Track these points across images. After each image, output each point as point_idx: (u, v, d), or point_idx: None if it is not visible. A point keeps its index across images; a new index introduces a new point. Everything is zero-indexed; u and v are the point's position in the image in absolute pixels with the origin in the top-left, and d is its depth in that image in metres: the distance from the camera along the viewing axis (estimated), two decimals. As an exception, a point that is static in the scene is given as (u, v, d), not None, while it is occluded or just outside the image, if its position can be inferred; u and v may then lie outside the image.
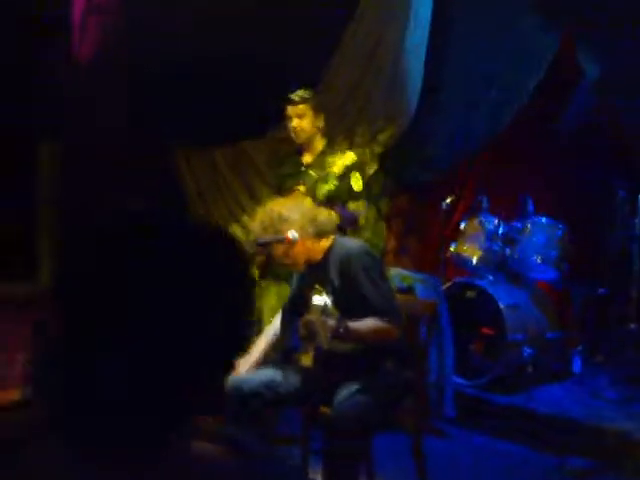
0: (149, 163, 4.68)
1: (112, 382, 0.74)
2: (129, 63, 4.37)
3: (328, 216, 2.71)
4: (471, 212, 4.40)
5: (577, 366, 4.05)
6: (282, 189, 3.52)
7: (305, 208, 2.69)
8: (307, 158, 3.48)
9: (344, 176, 3.36)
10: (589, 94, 4.18)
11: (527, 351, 3.87)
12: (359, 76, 4.66)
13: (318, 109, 3.46)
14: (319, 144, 3.50)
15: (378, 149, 4.70)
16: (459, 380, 3.91)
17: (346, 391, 2.48)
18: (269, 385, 2.55)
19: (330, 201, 3.30)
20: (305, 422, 2.89)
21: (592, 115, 4.29)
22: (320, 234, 2.67)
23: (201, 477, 0.75)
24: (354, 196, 3.35)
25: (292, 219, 2.64)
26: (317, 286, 2.66)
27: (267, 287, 3.43)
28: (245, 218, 4.26)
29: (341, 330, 2.40)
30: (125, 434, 0.75)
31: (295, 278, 2.86)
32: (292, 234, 2.62)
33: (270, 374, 2.61)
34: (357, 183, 3.34)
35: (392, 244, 4.75)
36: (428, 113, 4.51)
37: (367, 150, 4.74)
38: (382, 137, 4.65)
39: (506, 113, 4.28)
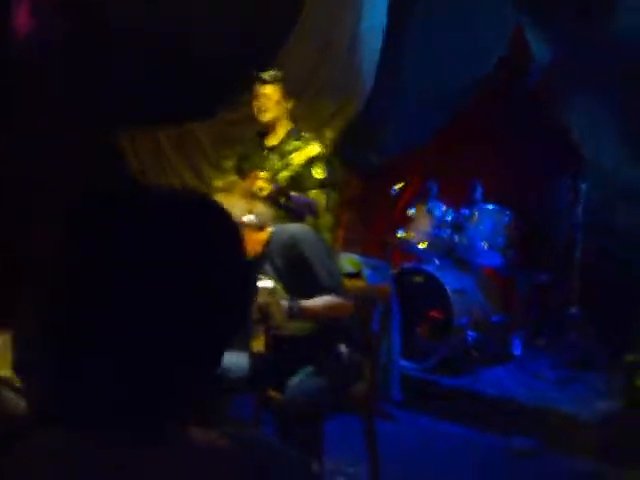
0: (90, 142, 4.54)
1: (100, 368, 0.70)
2: (70, 38, 4.21)
3: (265, 207, 2.69)
4: (420, 198, 4.45)
5: (518, 349, 4.16)
6: (241, 170, 3.43)
7: (241, 201, 2.65)
8: (270, 141, 3.39)
9: (307, 165, 3.31)
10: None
11: (472, 334, 3.95)
12: (316, 59, 4.63)
13: (287, 91, 3.38)
14: (284, 128, 3.41)
15: (331, 135, 4.69)
16: (406, 363, 3.96)
17: (298, 375, 2.47)
18: (221, 371, 2.50)
19: (291, 189, 3.25)
20: (257, 407, 2.87)
21: (539, 104, 4.38)
22: (259, 226, 2.64)
23: (201, 465, 0.72)
24: (315, 184, 3.30)
25: (232, 207, 2.59)
26: (261, 275, 2.63)
27: None
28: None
29: (295, 310, 2.39)
30: (118, 421, 0.71)
31: None
32: (249, 218, 2.59)
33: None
34: (319, 173, 3.30)
35: (341, 229, 4.76)
36: (380, 97, 4.53)
37: (323, 135, 4.73)
38: (336, 122, 4.64)
39: (457, 100, 4.34)
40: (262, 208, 2.68)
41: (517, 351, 4.15)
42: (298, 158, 3.29)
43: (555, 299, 4.22)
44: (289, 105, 3.39)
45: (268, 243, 2.65)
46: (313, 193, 3.27)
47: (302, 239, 2.58)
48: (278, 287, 2.53)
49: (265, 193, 3.07)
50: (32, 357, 0.73)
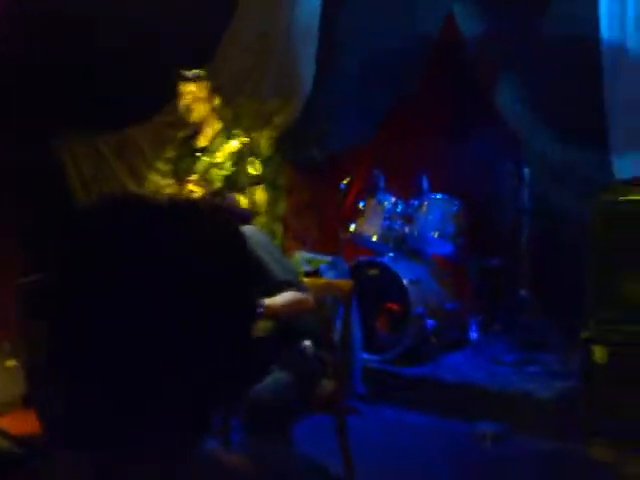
0: (27, 155, 4.38)
1: (111, 382, 0.67)
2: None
3: None
4: (369, 191, 4.48)
5: (474, 334, 4.24)
6: (176, 174, 3.34)
7: None
8: (200, 142, 3.28)
9: (239, 161, 3.23)
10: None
11: (430, 323, 4.00)
12: (251, 60, 4.59)
13: (214, 89, 3.29)
14: (213, 127, 3.32)
15: (273, 133, 4.66)
16: (367, 356, 3.98)
17: (264, 381, 2.44)
18: None
19: (228, 188, 3.18)
20: (224, 412, 2.82)
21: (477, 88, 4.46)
22: None
23: None
24: (253, 181, 3.24)
25: None
26: None
27: None
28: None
29: (260, 310, 2.36)
30: (133, 437, 0.68)
31: None
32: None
33: None
34: (254, 167, 3.24)
35: (292, 227, 4.74)
36: (322, 93, 4.52)
37: (263, 133, 4.69)
38: (277, 120, 4.61)
39: (398, 92, 4.37)
40: None
41: (474, 336, 4.23)
42: (222, 155, 3.20)
43: (506, 283, 4.32)
44: (216, 103, 3.29)
45: None
46: (251, 190, 3.20)
47: (251, 239, 2.56)
48: None
49: (198, 196, 3.02)
50: (43, 387, 0.69)
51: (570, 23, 3.74)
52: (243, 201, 3.13)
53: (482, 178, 4.39)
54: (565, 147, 3.86)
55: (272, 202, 4.80)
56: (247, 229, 2.65)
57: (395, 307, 4.03)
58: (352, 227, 4.41)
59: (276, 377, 2.47)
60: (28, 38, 3.99)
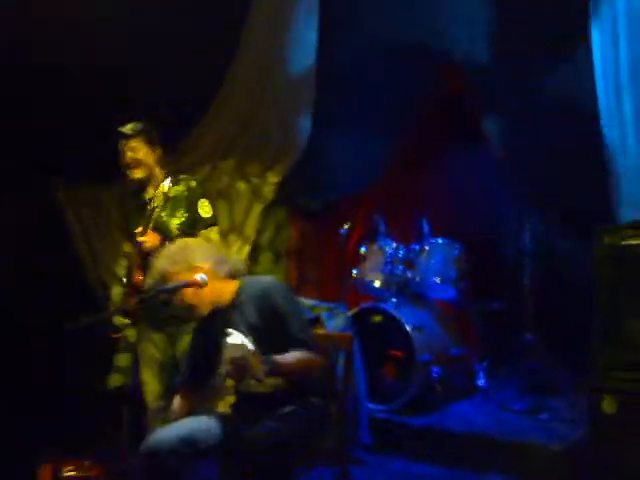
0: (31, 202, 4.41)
1: None
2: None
3: (238, 257, 2.64)
4: (370, 237, 4.45)
5: (482, 380, 4.16)
6: (130, 230, 3.23)
7: (216, 247, 2.60)
8: (148, 193, 3.22)
9: (190, 205, 3.20)
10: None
11: (435, 370, 3.93)
12: (254, 106, 4.64)
13: (153, 141, 3.22)
14: (159, 177, 3.23)
15: (274, 179, 4.68)
16: (373, 406, 3.90)
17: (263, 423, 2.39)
18: (187, 441, 2.39)
19: (184, 233, 3.15)
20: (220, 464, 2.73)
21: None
22: (232, 275, 2.60)
23: None
24: (207, 223, 3.20)
25: (205, 255, 2.57)
26: (229, 330, 2.55)
27: (144, 334, 3.22)
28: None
29: (269, 367, 2.32)
30: None
31: (198, 327, 2.72)
32: (201, 277, 2.53)
33: (187, 427, 2.45)
34: (204, 209, 3.20)
35: (293, 274, 4.71)
36: (321, 141, 4.56)
37: (265, 179, 4.70)
38: (277, 167, 4.64)
39: (399, 140, 4.40)
40: (236, 257, 2.64)
41: (481, 382, 4.15)
42: (158, 200, 3.17)
43: (510, 326, 4.26)
44: (157, 153, 3.23)
45: (238, 293, 2.58)
46: (205, 233, 3.15)
47: (276, 290, 2.55)
48: (247, 343, 2.45)
49: (149, 246, 3.00)
50: None
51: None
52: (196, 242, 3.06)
53: (482, 221, 4.37)
54: (566, 192, 3.88)
55: (276, 248, 4.80)
56: (273, 281, 2.61)
57: (399, 354, 3.95)
58: (354, 272, 4.37)
59: (273, 427, 2.41)
60: (30, 87, 4.02)
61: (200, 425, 2.46)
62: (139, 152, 3.18)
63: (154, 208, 3.14)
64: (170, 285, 2.52)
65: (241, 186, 4.63)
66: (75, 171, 4.54)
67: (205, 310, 2.59)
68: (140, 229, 3.09)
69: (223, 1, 4.46)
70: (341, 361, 2.87)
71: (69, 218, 4.78)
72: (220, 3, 4.42)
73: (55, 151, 4.30)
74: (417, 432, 3.73)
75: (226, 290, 2.59)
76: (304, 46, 4.56)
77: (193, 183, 3.23)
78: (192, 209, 3.14)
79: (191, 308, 2.59)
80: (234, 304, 2.57)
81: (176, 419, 2.56)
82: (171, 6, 4.26)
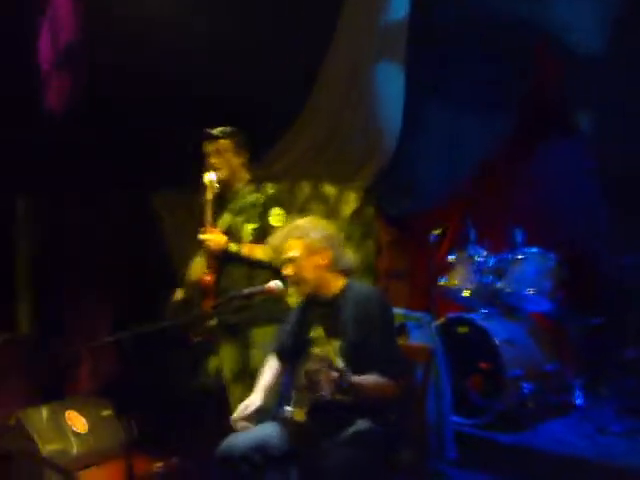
0: (128, 210, 4.58)
1: None
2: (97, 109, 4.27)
3: (353, 255, 2.62)
4: (459, 244, 4.31)
5: (579, 399, 3.92)
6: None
7: (341, 238, 2.59)
8: (228, 197, 3.23)
9: (264, 213, 3.14)
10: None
11: (527, 386, 3.73)
12: (338, 112, 4.61)
13: (241, 145, 3.23)
14: (242, 181, 3.25)
15: (361, 183, 4.63)
16: (458, 419, 3.76)
17: (339, 441, 2.34)
18: (259, 447, 2.39)
19: (256, 239, 3.14)
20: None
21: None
22: (345, 271, 2.58)
23: None
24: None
25: (328, 242, 2.56)
26: (322, 328, 2.53)
27: (223, 339, 3.24)
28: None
29: (344, 385, 2.28)
30: None
31: (293, 315, 2.70)
32: (276, 284, 2.55)
33: (260, 434, 2.45)
34: (276, 218, 3.15)
35: (380, 281, 4.64)
36: (412, 146, 4.47)
37: (351, 185, 4.67)
38: (365, 171, 4.58)
39: (491, 142, 4.24)
40: (351, 253, 2.62)
41: (578, 401, 3.90)
42: (236, 203, 3.15)
43: (611, 342, 3.99)
44: (243, 158, 3.23)
45: (343, 292, 2.56)
46: None
47: (378, 303, 2.53)
48: (330, 356, 2.43)
49: (212, 246, 3.04)
50: None
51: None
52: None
53: (581, 230, 4.13)
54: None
55: (361, 254, 4.74)
56: (373, 291, 2.61)
57: (487, 367, 3.79)
58: (442, 281, 4.24)
59: (351, 455, 2.36)
60: (128, 91, 4.16)
61: (273, 432, 2.45)
62: (225, 154, 3.20)
63: (231, 211, 3.17)
64: (244, 291, 2.54)
65: (328, 191, 4.62)
66: (171, 174, 4.67)
67: (303, 292, 2.57)
68: (205, 228, 3.11)
69: (313, 3, 4.46)
70: (420, 374, 2.79)
71: (162, 220, 4.94)
72: (311, 5, 4.42)
73: (151, 154, 4.44)
74: (505, 449, 3.56)
75: (334, 284, 2.57)
76: (393, 47, 4.48)
77: (271, 190, 3.20)
78: (264, 217, 3.14)
79: (296, 281, 2.56)
80: (337, 303, 2.54)
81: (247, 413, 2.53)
82: (260, 8, 4.30)
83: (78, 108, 4.22)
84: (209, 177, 3.14)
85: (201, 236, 3.11)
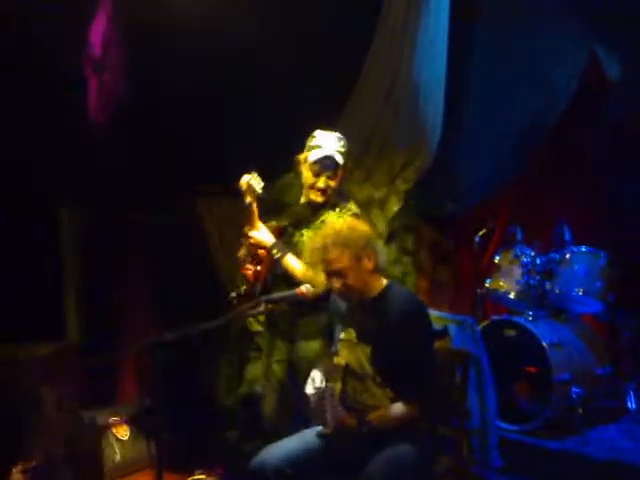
0: (172, 217, 4.62)
1: None
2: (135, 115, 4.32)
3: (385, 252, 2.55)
4: (505, 244, 4.20)
5: (632, 403, 3.75)
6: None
7: (371, 237, 2.53)
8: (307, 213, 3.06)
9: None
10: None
11: (576, 391, 3.60)
12: (378, 114, 4.56)
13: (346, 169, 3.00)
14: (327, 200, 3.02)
15: (403, 186, 4.56)
16: (504, 425, 3.65)
17: (376, 459, 2.29)
18: (292, 461, 2.37)
19: None
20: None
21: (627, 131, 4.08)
22: (379, 269, 2.50)
23: None
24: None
25: (370, 246, 2.49)
26: (354, 330, 2.48)
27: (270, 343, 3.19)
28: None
29: (365, 428, 2.31)
30: None
31: (342, 313, 2.65)
32: (307, 287, 2.51)
33: (293, 447, 2.43)
34: (380, 223, 3.06)
35: (423, 283, 4.55)
36: (455, 146, 4.37)
37: (393, 187, 4.60)
38: (406, 174, 4.51)
39: (536, 140, 4.11)
40: (385, 251, 2.57)
41: (631, 405, 3.74)
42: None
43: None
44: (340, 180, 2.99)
45: (384, 293, 2.50)
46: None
47: (417, 316, 2.45)
48: (361, 355, 2.42)
49: (256, 237, 2.98)
50: None
51: None
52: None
53: (633, 227, 3.95)
54: None
55: (403, 256, 4.67)
56: (414, 302, 2.50)
57: (534, 371, 3.67)
58: (488, 283, 4.14)
59: (389, 456, 2.31)
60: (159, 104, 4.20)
61: (307, 446, 2.43)
62: (337, 179, 2.93)
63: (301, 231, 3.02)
64: (274, 296, 2.53)
65: (370, 195, 4.56)
66: (216, 179, 4.70)
67: (353, 297, 2.51)
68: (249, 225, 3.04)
69: (354, 3, 4.41)
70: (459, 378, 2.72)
71: (207, 223, 4.97)
72: (351, 5, 4.37)
73: (197, 158, 4.47)
74: (553, 456, 3.43)
75: (373, 283, 2.49)
76: (434, 46, 4.40)
77: (347, 215, 2.91)
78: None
79: (345, 292, 2.50)
80: (377, 304, 2.48)
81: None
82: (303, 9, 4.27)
83: (118, 115, 4.29)
84: (245, 180, 3.04)
85: (247, 230, 3.01)
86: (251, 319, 3.96)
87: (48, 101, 3.90)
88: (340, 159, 2.93)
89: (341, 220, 2.76)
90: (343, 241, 2.45)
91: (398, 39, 4.48)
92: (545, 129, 4.10)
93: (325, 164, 2.92)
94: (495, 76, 4.21)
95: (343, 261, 2.43)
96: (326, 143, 2.95)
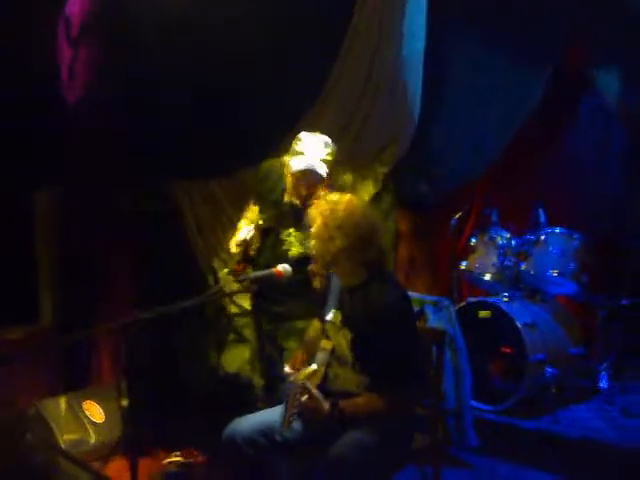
0: (148, 202, 4.57)
1: None
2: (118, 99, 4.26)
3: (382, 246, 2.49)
4: (481, 227, 4.22)
5: (604, 383, 3.81)
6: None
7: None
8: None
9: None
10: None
11: (549, 370, 3.64)
12: (356, 97, 4.53)
13: (330, 176, 2.92)
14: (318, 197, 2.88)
15: (382, 169, 4.55)
16: (479, 405, 3.69)
17: (340, 441, 2.28)
18: (264, 432, 2.37)
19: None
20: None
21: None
22: (366, 264, 2.43)
23: None
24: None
25: (357, 230, 2.40)
26: (340, 313, 2.48)
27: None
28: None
29: (335, 415, 2.30)
30: None
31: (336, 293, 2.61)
32: (284, 267, 2.49)
33: (266, 419, 2.43)
34: None
35: (401, 265, 4.56)
36: (433, 130, 4.37)
37: (371, 171, 4.59)
38: (384, 158, 4.50)
39: (513, 124, 4.12)
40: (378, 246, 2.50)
41: (603, 385, 3.80)
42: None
43: (637, 325, 3.85)
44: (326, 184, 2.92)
45: (367, 284, 2.44)
46: None
47: (394, 310, 2.38)
48: (342, 342, 2.43)
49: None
50: None
51: None
52: None
53: (607, 208, 3.99)
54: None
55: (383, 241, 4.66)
56: (392, 298, 2.42)
57: (509, 351, 3.71)
58: (464, 264, 4.16)
59: (360, 439, 2.31)
60: (143, 87, 4.15)
61: (279, 417, 2.42)
62: (316, 187, 2.86)
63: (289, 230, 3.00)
64: (252, 275, 2.52)
65: (347, 178, 4.55)
66: (191, 166, 4.66)
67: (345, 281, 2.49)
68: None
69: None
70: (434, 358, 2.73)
71: (185, 209, 4.92)
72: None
73: (173, 146, 4.42)
74: (528, 435, 3.48)
75: (356, 274, 2.44)
76: (413, 28, 4.37)
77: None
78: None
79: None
80: (358, 294, 2.44)
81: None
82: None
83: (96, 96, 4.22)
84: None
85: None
86: (228, 301, 3.95)
87: (22, 83, 3.83)
88: (324, 171, 2.83)
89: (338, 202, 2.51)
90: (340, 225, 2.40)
91: (376, 22, 4.45)
92: (524, 114, 4.11)
93: (307, 177, 2.85)
94: (474, 61, 4.21)
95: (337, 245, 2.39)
96: (310, 151, 2.85)
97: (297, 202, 2.96)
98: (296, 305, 2.98)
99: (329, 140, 2.94)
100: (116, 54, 4.17)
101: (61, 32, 4.20)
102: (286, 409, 2.35)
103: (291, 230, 3.01)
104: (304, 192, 2.89)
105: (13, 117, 3.80)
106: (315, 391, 2.32)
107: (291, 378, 2.47)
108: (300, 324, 2.92)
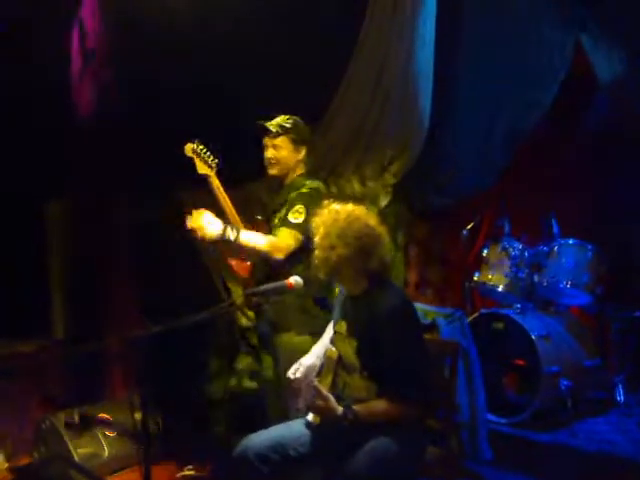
0: (158, 214, 4.58)
1: None
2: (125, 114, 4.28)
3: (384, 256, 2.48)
4: (493, 238, 4.19)
5: (620, 395, 3.76)
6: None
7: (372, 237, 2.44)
8: (282, 193, 3.06)
9: (291, 207, 2.93)
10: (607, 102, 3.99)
11: (564, 383, 3.60)
12: (366, 106, 4.53)
13: (298, 141, 3.03)
14: (296, 177, 3.06)
15: (390, 180, 4.54)
16: (493, 418, 3.65)
17: (360, 452, 2.27)
18: (276, 448, 2.36)
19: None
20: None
21: (613, 125, 4.09)
22: (369, 271, 2.42)
23: None
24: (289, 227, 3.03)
25: (360, 240, 2.40)
26: (345, 323, 2.48)
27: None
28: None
29: (349, 416, 2.29)
30: None
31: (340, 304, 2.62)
32: (295, 280, 2.47)
33: (278, 435, 2.41)
34: (294, 215, 2.92)
35: (412, 277, 4.55)
36: (443, 139, 4.35)
37: (380, 181, 4.58)
38: (394, 168, 4.49)
39: (524, 133, 4.10)
40: (381, 255, 2.48)
41: (619, 397, 3.75)
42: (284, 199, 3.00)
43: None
44: (302, 154, 3.05)
45: (371, 291, 2.44)
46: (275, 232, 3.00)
47: (398, 317, 2.35)
48: (349, 350, 2.42)
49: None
50: None
51: None
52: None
53: (621, 220, 3.96)
54: None
55: (391, 251, 4.65)
56: (395, 304, 2.39)
57: (523, 363, 3.67)
58: (476, 276, 4.13)
59: (375, 447, 2.29)
60: (149, 99, 4.17)
61: (292, 434, 2.41)
62: (282, 151, 3.00)
63: (281, 206, 3.01)
64: (261, 288, 2.50)
65: (357, 189, 4.54)
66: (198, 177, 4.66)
67: (348, 290, 2.51)
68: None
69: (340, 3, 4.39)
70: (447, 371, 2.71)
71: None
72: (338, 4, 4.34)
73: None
74: (542, 449, 3.43)
75: (358, 283, 2.44)
76: (422, 38, 4.37)
77: (305, 189, 2.97)
78: (287, 211, 3.02)
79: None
80: (361, 301, 2.44)
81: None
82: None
83: (106, 109, 4.25)
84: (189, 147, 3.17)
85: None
86: (239, 314, 3.94)
87: (32, 96, 3.86)
88: (277, 128, 3.00)
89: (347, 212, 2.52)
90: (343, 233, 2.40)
91: (386, 31, 4.46)
92: (533, 124, 4.08)
93: (266, 134, 3.04)
94: (483, 70, 4.19)
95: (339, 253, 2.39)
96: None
97: (270, 171, 3.06)
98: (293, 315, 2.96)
99: (297, 119, 3.10)
100: (124, 74, 4.21)
101: (75, 39, 4.24)
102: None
103: (277, 214, 3.05)
104: (268, 154, 3.03)
105: (26, 132, 3.85)
106: (326, 392, 2.31)
107: (293, 384, 2.46)
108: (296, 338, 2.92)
